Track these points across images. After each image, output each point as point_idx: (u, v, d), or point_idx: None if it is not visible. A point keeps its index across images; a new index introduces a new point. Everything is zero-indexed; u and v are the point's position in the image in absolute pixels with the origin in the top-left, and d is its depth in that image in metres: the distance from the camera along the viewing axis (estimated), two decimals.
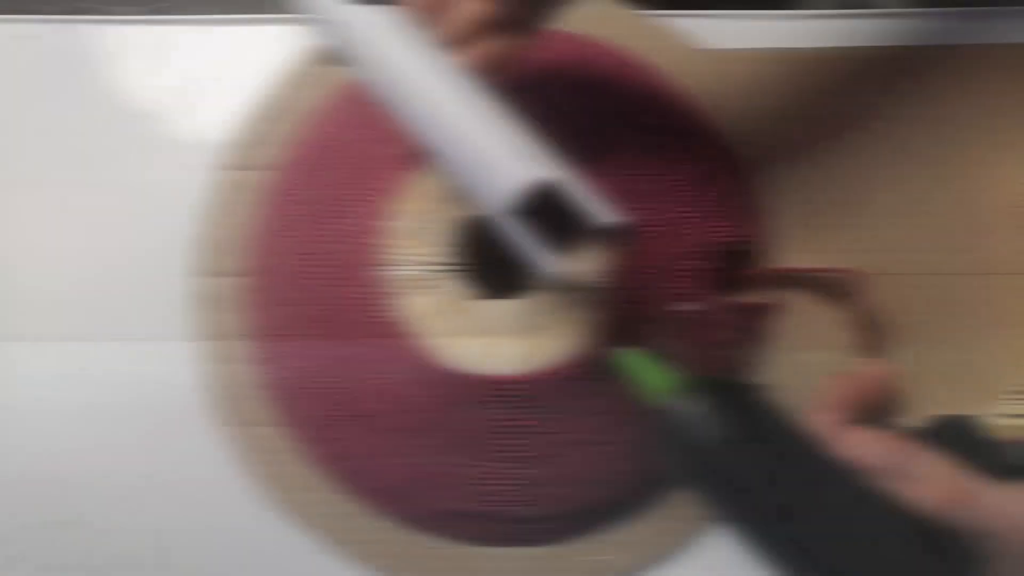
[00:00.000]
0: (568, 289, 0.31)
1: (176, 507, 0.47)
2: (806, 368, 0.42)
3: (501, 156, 0.31)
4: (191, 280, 0.48)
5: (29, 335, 0.49)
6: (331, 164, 0.45)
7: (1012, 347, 0.46)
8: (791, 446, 0.26)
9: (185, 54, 0.52)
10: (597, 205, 0.31)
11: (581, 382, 0.39)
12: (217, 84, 0.51)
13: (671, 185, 0.44)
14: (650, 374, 0.29)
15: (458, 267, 0.38)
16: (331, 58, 0.38)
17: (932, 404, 0.40)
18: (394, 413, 0.41)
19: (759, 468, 0.26)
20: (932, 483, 0.28)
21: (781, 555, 0.26)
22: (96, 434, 0.47)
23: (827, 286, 0.46)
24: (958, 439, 0.34)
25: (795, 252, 0.48)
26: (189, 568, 0.46)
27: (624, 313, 0.34)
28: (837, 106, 0.49)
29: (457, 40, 0.36)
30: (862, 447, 0.30)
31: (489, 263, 0.41)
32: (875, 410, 0.34)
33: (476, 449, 0.40)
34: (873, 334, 0.46)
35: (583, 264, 0.34)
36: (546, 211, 0.31)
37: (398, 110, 0.35)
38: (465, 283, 0.38)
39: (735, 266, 0.47)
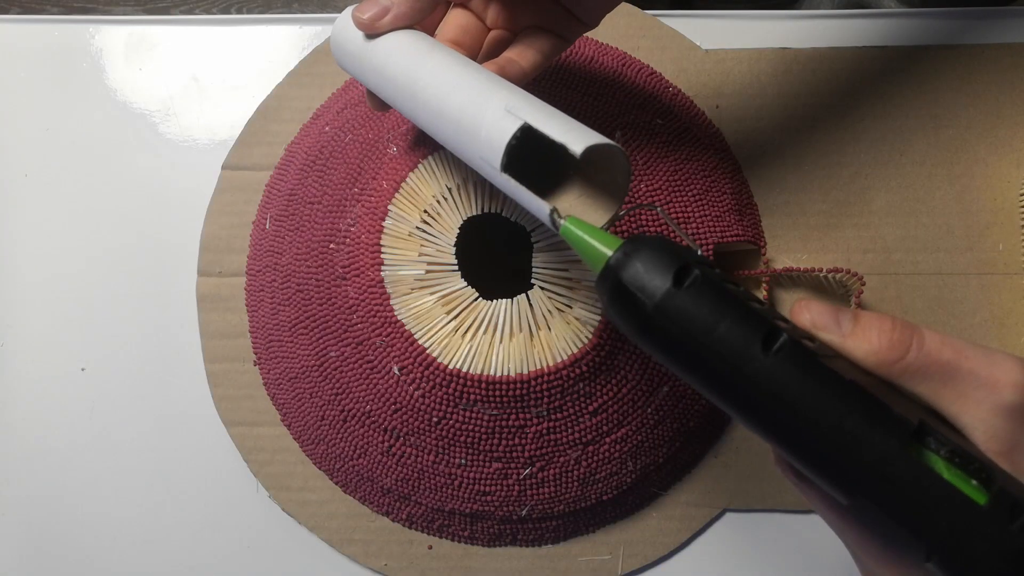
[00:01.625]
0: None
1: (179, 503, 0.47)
2: None
3: (483, 123, 0.30)
4: (193, 279, 0.48)
5: (32, 334, 0.49)
6: (331, 164, 0.45)
7: (1012, 347, 0.46)
8: (731, 302, 0.26)
9: (188, 54, 0.52)
10: (576, 134, 0.29)
11: (581, 382, 0.39)
12: (220, 84, 0.51)
13: (672, 185, 0.44)
14: (595, 237, 0.28)
15: (458, 267, 0.38)
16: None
17: None
18: (393, 413, 0.41)
19: (701, 323, 0.25)
20: (873, 330, 0.27)
21: (731, 407, 0.26)
22: (101, 429, 0.48)
23: (826, 286, 0.46)
24: None
25: (794, 252, 0.48)
26: (190, 567, 0.46)
27: None
28: (836, 106, 0.49)
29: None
30: (799, 310, 0.29)
31: (487, 263, 0.41)
32: None
33: (476, 449, 0.40)
34: None
35: (584, 197, 0.33)
36: (535, 157, 0.30)
37: (399, 97, 0.34)
38: (465, 283, 0.38)
39: (735, 265, 0.47)
